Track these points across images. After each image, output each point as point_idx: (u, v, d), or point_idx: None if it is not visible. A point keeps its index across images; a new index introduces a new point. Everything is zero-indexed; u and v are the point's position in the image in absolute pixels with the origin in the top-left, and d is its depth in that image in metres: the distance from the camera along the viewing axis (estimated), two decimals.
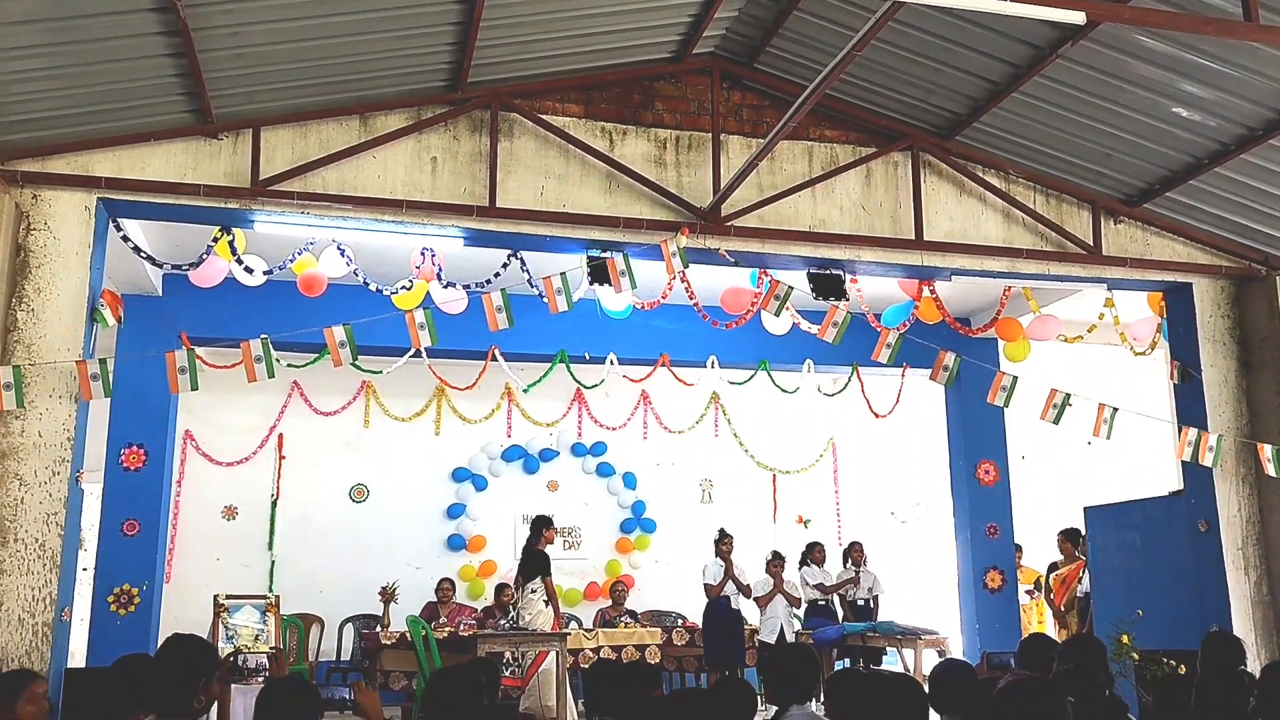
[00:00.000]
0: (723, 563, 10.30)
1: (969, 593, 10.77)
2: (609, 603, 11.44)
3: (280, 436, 11.69)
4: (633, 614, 11.19)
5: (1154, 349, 8.93)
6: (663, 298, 8.13)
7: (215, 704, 3.28)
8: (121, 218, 7.03)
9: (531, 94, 7.44)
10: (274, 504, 11.62)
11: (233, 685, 6.29)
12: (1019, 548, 11.07)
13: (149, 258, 7.45)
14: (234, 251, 7.30)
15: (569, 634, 9.35)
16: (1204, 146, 7.36)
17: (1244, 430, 8.18)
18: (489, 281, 7.72)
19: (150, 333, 8.90)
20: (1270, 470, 7.74)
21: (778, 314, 7.51)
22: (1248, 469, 8.07)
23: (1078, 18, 5.01)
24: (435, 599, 10.57)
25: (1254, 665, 7.49)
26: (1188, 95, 6.80)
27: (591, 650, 9.91)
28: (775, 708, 3.87)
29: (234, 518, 11.49)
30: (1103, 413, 7.65)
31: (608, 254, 7.31)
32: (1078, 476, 11.28)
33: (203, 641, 3.46)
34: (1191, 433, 7.75)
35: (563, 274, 7.05)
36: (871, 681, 3.16)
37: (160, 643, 8.47)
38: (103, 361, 6.30)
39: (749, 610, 10.34)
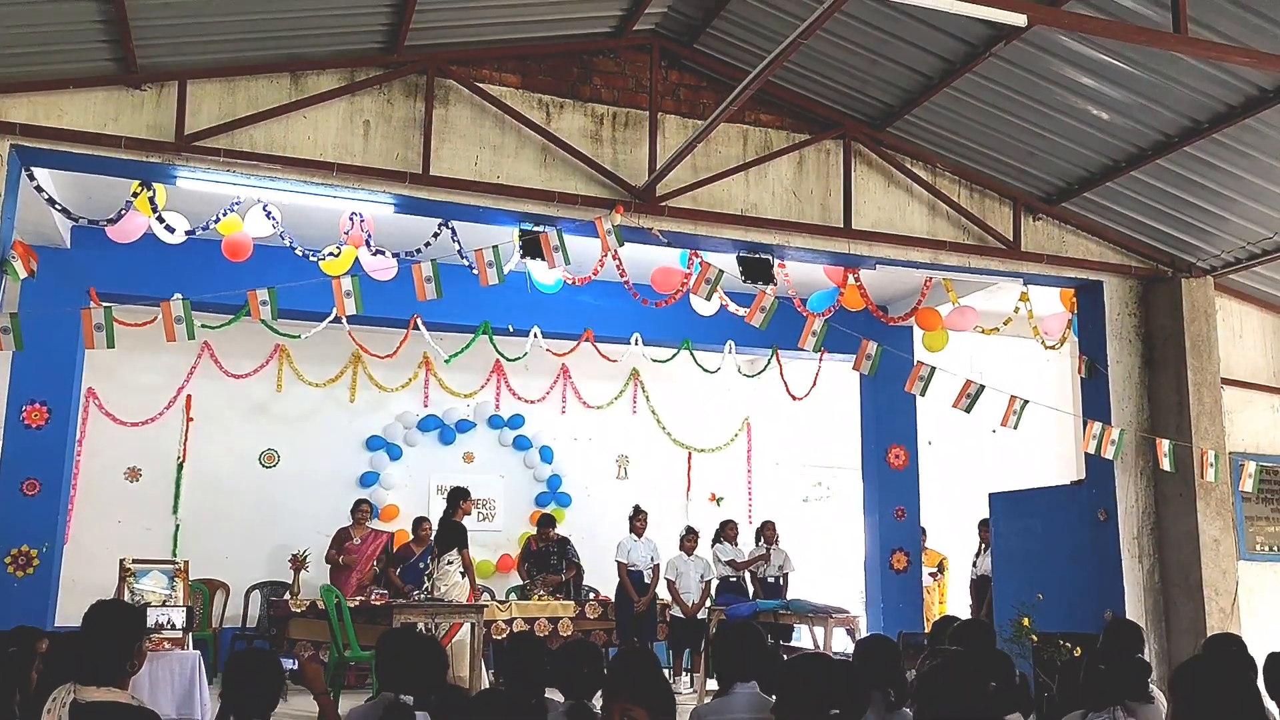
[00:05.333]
0: (636, 538, 10.40)
1: (875, 573, 11.03)
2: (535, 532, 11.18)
3: (188, 398, 11.38)
4: (565, 543, 11.04)
5: (1063, 343, 9.24)
6: (594, 274, 8.11)
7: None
8: (35, 167, 6.74)
9: (468, 61, 7.33)
10: (180, 467, 11.34)
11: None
12: (924, 531, 11.39)
13: (64, 210, 7.16)
14: (155, 208, 7.06)
15: (485, 606, 9.34)
16: (1122, 150, 7.61)
17: (1144, 425, 8.53)
18: (419, 251, 7.61)
19: (57, 286, 8.56)
20: (1166, 465, 8.10)
21: (708, 298, 7.56)
22: (1146, 462, 8.41)
23: (1019, 20, 5.14)
24: (349, 521, 10.56)
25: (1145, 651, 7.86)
26: (1111, 100, 7.02)
27: (504, 622, 9.91)
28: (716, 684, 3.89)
29: (137, 480, 11.19)
30: (1013, 404, 7.89)
31: (541, 228, 7.27)
32: (981, 463, 11.62)
33: (129, 606, 3.40)
34: (1096, 426, 8.05)
35: (494, 247, 6.99)
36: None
37: (58, 607, 8.22)
38: (13, 315, 6.06)
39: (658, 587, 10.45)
